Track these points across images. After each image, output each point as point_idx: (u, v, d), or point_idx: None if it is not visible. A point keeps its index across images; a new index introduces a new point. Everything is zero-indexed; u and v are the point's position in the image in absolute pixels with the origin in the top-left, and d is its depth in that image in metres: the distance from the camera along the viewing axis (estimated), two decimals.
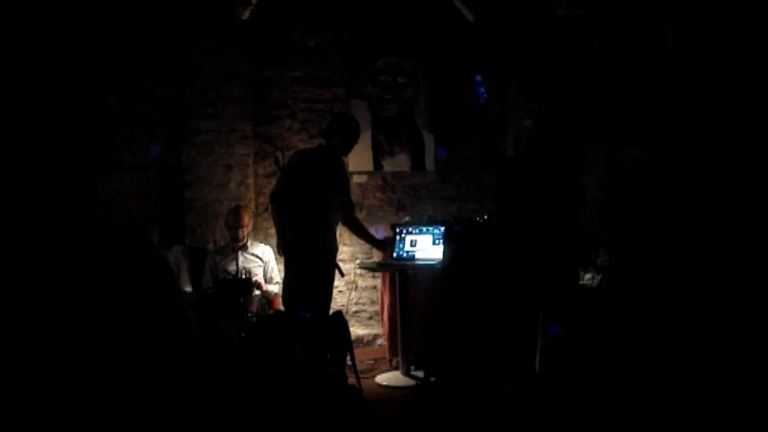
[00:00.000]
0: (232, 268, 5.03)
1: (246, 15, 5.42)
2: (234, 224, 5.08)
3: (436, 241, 4.96)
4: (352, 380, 4.41)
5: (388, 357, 5.33)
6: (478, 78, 5.70)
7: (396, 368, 5.09)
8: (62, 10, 4.90)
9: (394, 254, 5.06)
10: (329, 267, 4.61)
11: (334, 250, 4.74)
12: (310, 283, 4.50)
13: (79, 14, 5.05)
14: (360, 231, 5.10)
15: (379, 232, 5.54)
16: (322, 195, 4.57)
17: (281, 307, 4.89)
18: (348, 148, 4.91)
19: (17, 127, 3.96)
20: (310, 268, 4.52)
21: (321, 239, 4.57)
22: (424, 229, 5.07)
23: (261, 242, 5.35)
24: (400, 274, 5.01)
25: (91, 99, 5.19)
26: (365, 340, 5.75)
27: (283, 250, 4.67)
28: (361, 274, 5.74)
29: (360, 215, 5.77)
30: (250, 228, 5.19)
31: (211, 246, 5.41)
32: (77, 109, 5.04)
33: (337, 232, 5.73)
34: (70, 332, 2.78)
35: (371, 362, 5.37)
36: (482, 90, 5.71)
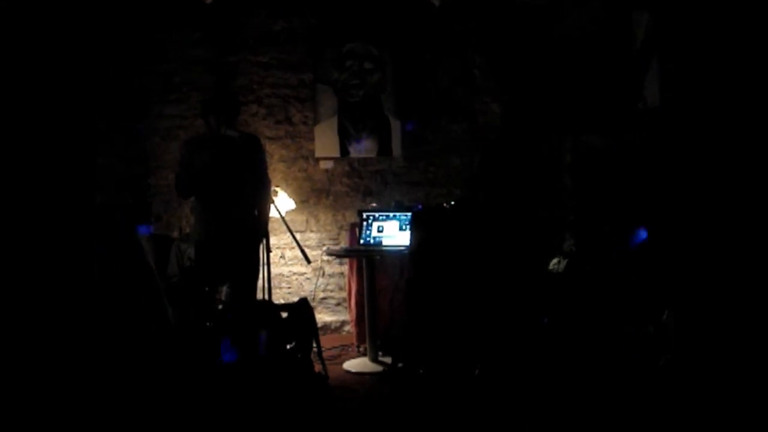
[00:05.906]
0: None
1: None
2: None
3: (403, 227, 4.97)
4: (318, 367, 4.42)
5: (355, 343, 5.35)
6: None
7: (364, 354, 5.10)
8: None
9: (361, 240, 5.06)
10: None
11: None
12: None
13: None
14: None
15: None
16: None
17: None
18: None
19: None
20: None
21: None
22: (391, 215, 5.06)
23: None
24: (367, 260, 5.01)
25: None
26: (333, 327, 5.75)
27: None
28: (328, 261, 5.73)
29: (326, 201, 5.77)
30: None
31: (176, 233, 5.35)
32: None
33: (306, 219, 5.75)
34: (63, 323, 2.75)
35: (339, 348, 5.37)
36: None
